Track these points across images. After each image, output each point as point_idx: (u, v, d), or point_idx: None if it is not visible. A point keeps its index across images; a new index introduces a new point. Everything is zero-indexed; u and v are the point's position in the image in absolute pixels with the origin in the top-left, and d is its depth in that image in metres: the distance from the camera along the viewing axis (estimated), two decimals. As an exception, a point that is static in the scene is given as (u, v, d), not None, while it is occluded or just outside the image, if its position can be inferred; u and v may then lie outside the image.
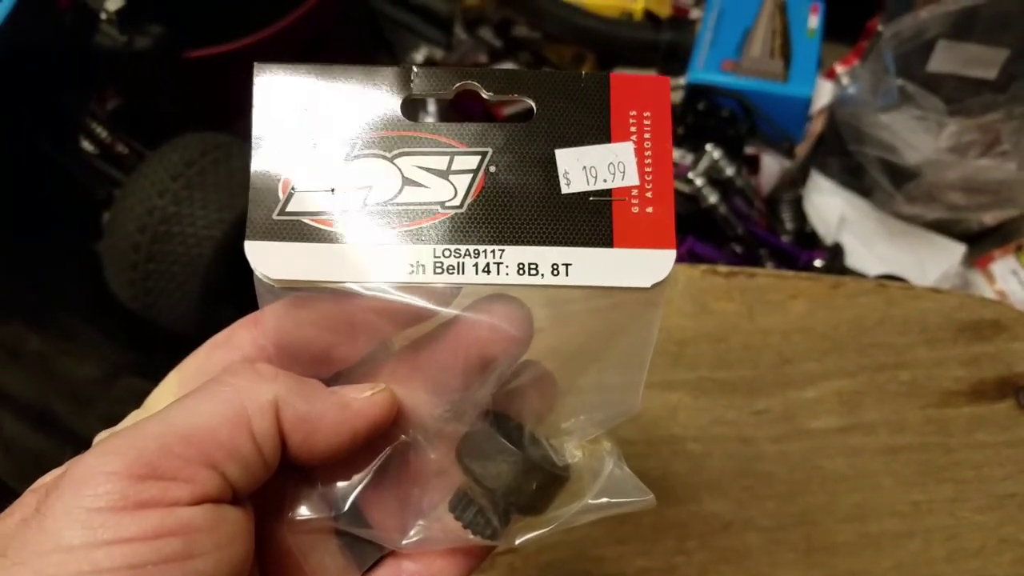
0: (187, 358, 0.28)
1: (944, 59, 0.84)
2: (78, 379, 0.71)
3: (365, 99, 0.28)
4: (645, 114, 0.28)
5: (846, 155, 0.93)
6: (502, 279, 0.27)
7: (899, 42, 0.82)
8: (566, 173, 0.28)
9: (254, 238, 0.27)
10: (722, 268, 0.56)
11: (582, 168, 0.28)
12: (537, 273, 0.27)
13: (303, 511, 0.28)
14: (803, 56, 0.97)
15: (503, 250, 0.27)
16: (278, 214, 0.27)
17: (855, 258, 0.92)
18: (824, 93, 0.98)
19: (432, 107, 1.00)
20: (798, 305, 0.54)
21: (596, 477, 0.29)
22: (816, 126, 0.99)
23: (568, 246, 0.27)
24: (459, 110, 1.06)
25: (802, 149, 0.99)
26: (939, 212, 0.93)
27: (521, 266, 0.27)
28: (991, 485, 0.50)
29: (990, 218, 0.95)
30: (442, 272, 0.27)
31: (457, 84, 0.28)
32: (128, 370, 0.73)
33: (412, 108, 0.26)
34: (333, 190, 0.27)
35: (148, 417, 0.25)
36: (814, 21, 0.99)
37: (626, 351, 0.29)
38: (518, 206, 0.28)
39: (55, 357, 0.70)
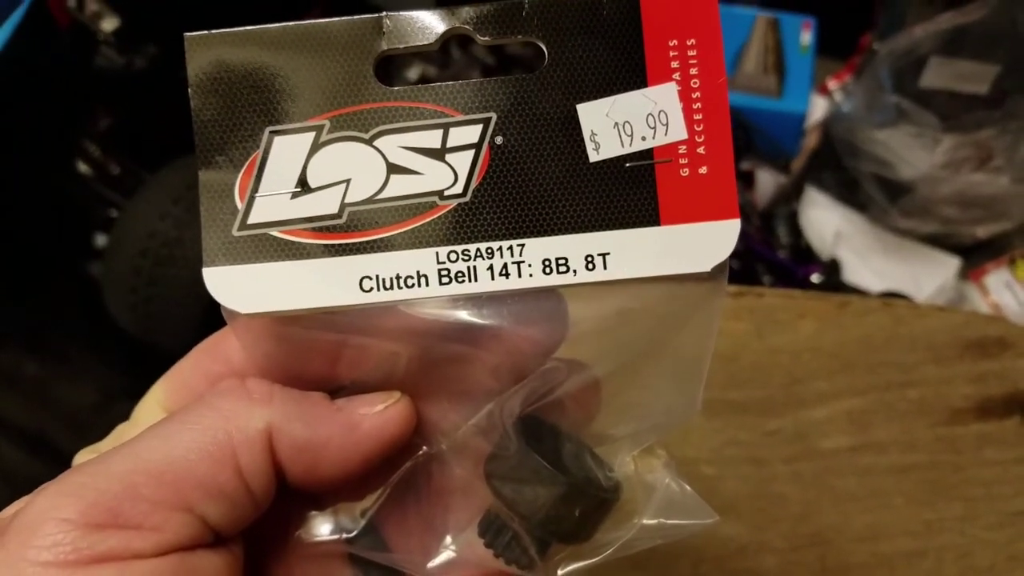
0: (175, 365, 0.25)
1: (936, 75, 0.85)
2: (75, 404, 0.70)
3: (328, 64, 0.22)
4: (689, 42, 0.22)
5: (841, 170, 0.94)
6: (525, 282, 0.22)
7: (893, 59, 0.83)
8: (593, 135, 0.22)
9: (214, 263, 0.22)
10: (730, 288, 0.56)
11: (613, 125, 0.22)
12: (568, 270, 0.22)
13: (311, 533, 0.25)
14: (797, 72, 0.98)
15: (523, 244, 0.22)
16: (239, 228, 0.22)
17: (851, 272, 0.93)
18: (818, 108, 0.99)
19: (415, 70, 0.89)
20: (806, 324, 0.54)
21: (650, 494, 0.25)
22: (811, 141, 0.99)
23: (603, 230, 0.22)
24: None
25: (797, 164, 0.99)
26: (933, 226, 0.94)
27: (547, 263, 0.22)
28: (1001, 502, 0.50)
29: (983, 231, 0.95)
30: (450, 281, 0.22)
31: (443, 30, 0.22)
32: (125, 394, 0.72)
33: (389, 69, 0.23)
34: (302, 189, 0.22)
35: (117, 449, 0.22)
36: (807, 37, 1.00)
37: (683, 348, 0.24)
38: (536, 186, 0.22)
39: (52, 382, 0.69)
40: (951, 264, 0.94)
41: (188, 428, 0.22)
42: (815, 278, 0.90)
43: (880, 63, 0.82)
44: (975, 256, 0.98)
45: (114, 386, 0.73)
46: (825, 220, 0.96)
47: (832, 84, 1.00)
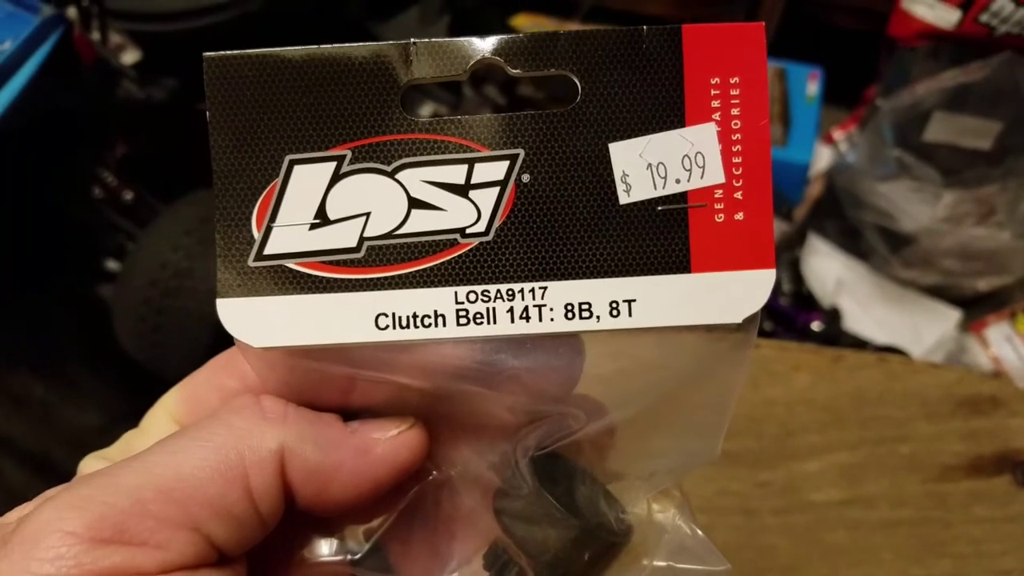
0: (190, 376, 0.25)
1: (940, 129, 0.86)
2: (79, 427, 0.71)
3: (352, 91, 0.21)
4: (732, 80, 0.21)
5: (843, 219, 0.95)
6: (545, 326, 0.21)
7: (896, 114, 0.84)
8: (624, 175, 0.21)
9: (228, 294, 0.22)
10: (726, 338, 0.57)
11: (646, 167, 0.21)
12: (591, 315, 0.21)
13: (316, 553, 0.24)
14: (802, 122, 1.00)
15: (545, 287, 0.21)
16: (255, 259, 0.22)
17: (852, 321, 0.93)
18: (822, 157, 1.01)
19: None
20: (801, 377, 0.55)
21: (660, 535, 0.24)
22: (814, 190, 1.00)
23: (630, 276, 0.21)
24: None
25: (800, 212, 1.00)
26: (934, 277, 0.95)
27: (569, 307, 0.21)
28: (989, 560, 0.51)
29: (984, 284, 0.96)
30: (468, 322, 0.21)
31: (474, 59, 0.21)
32: (129, 417, 0.72)
33: (415, 99, 0.23)
34: (320, 221, 0.21)
35: (127, 461, 0.21)
36: (813, 88, 1.02)
37: (706, 397, 0.24)
38: (562, 227, 0.21)
39: (58, 405, 0.70)
40: (952, 316, 0.94)
41: (200, 445, 0.21)
42: (816, 326, 0.90)
43: (883, 118, 0.84)
44: (976, 308, 0.98)
45: (119, 409, 0.74)
46: (827, 268, 0.97)
47: (837, 134, 1.01)
